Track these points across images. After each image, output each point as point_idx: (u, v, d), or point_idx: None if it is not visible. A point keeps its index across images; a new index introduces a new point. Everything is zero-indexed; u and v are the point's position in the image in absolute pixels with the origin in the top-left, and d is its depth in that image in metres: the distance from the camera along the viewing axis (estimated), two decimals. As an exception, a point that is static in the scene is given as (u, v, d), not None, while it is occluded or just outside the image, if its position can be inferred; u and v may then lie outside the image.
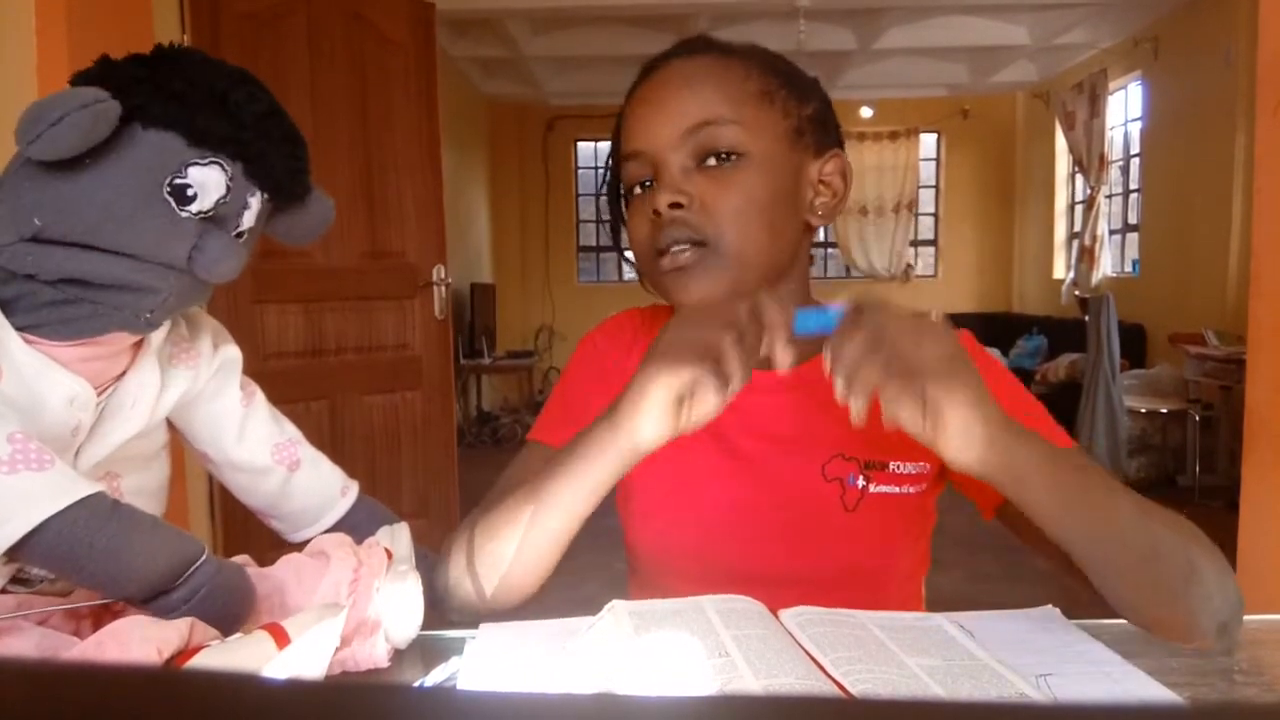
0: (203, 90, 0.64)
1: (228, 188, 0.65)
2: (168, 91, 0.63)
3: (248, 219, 0.69)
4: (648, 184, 0.77)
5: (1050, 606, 0.71)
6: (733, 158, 0.73)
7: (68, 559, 0.59)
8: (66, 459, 0.68)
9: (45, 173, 0.61)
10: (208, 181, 0.64)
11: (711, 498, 0.79)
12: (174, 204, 0.63)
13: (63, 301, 0.64)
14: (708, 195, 0.73)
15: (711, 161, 0.74)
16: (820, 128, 0.78)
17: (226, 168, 0.65)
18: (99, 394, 0.69)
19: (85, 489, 0.59)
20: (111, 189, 0.61)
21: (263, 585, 0.68)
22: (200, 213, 0.65)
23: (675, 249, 0.74)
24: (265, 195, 0.70)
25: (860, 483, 0.77)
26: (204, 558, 0.63)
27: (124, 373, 0.71)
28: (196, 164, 0.64)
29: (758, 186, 0.74)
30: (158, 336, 0.74)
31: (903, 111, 6.77)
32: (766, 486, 0.78)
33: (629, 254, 0.81)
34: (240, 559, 0.75)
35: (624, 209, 0.82)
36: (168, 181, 0.63)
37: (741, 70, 0.75)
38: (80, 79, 0.63)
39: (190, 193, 0.64)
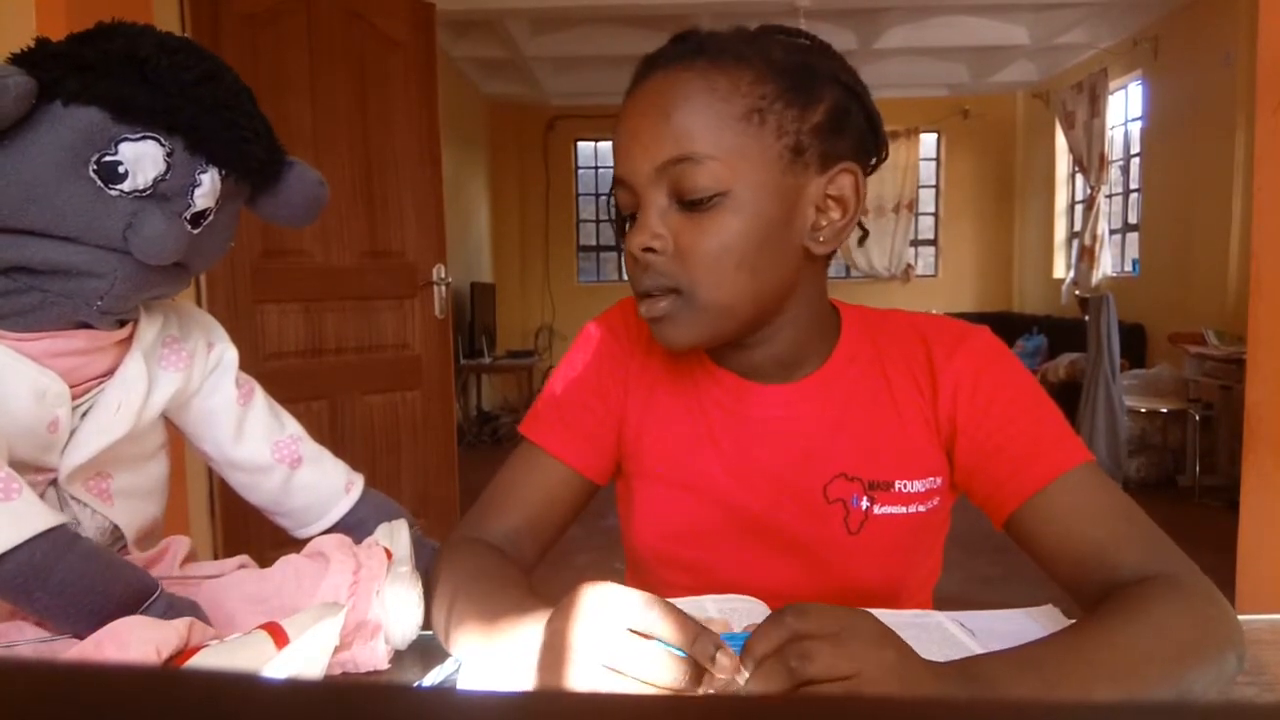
0: (119, 61, 0.61)
1: (167, 163, 0.63)
2: (82, 63, 0.60)
3: (201, 197, 0.66)
4: (633, 214, 0.71)
5: (1051, 606, 0.71)
6: (712, 197, 0.66)
7: (23, 590, 0.58)
8: (50, 458, 0.67)
9: None
10: (142, 157, 0.61)
11: (712, 515, 0.77)
12: (100, 182, 0.61)
13: (13, 291, 0.63)
14: (683, 239, 0.67)
15: (687, 200, 0.66)
16: (831, 136, 0.69)
17: (163, 142, 0.62)
18: (81, 394, 0.68)
19: (48, 521, 0.59)
20: (31, 169, 0.59)
21: (262, 587, 0.68)
22: (136, 191, 0.62)
23: (651, 296, 0.69)
24: (222, 171, 0.67)
25: (864, 504, 0.74)
26: (157, 594, 0.63)
27: (110, 373, 0.70)
28: (128, 139, 0.61)
29: (739, 227, 0.66)
30: (147, 336, 0.73)
31: (903, 111, 6.77)
32: (768, 507, 0.76)
33: None
34: (240, 559, 0.75)
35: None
36: (94, 159, 0.60)
37: (727, 86, 0.66)
38: (14, 59, 0.61)
39: (121, 169, 0.61)
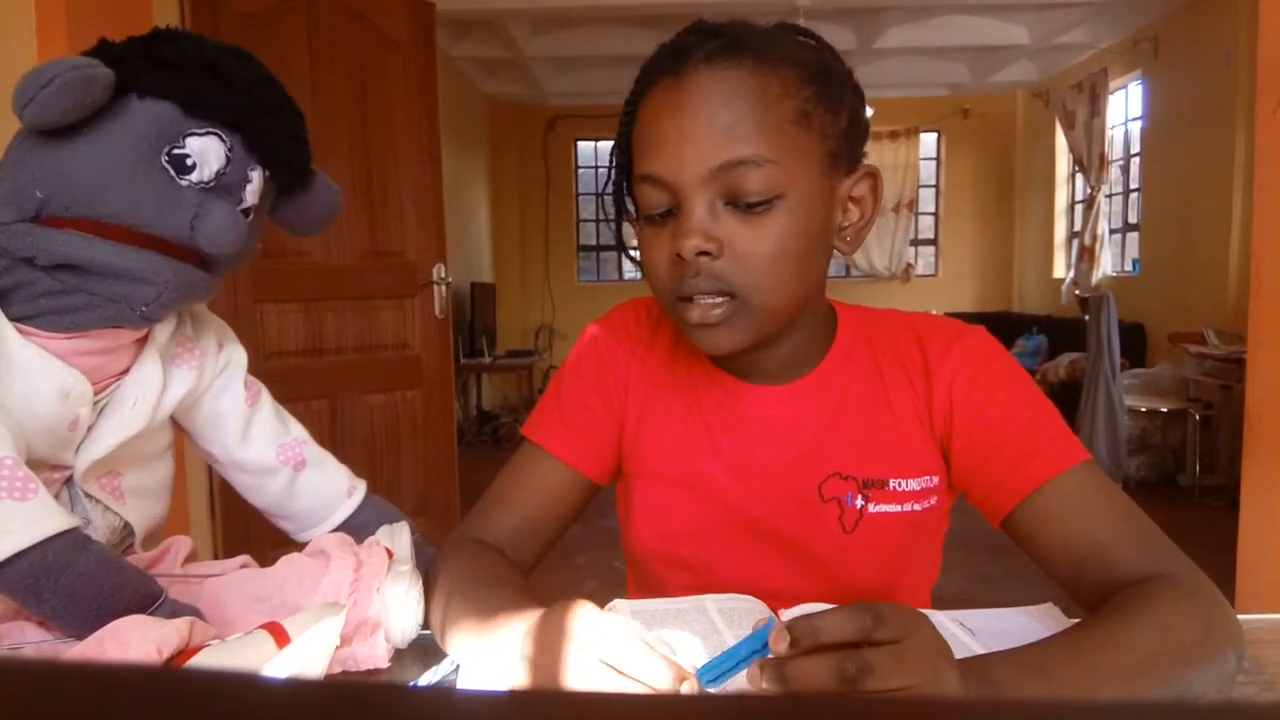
0: (195, 60, 0.65)
1: (227, 158, 0.66)
2: (160, 61, 0.64)
3: (250, 194, 0.69)
4: (666, 212, 0.68)
5: (1050, 604, 0.71)
6: (770, 201, 0.65)
7: (33, 591, 0.59)
8: (67, 456, 0.68)
9: (45, 145, 0.62)
10: (207, 151, 0.65)
11: (710, 514, 0.77)
12: (173, 173, 0.64)
13: (59, 291, 0.64)
14: (740, 242, 0.65)
15: (743, 203, 0.65)
16: (852, 140, 0.69)
17: (225, 138, 0.66)
18: (99, 391, 0.69)
19: (61, 523, 0.60)
20: (110, 156, 0.62)
21: (263, 585, 0.68)
22: (201, 183, 0.65)
23: (704, 300, 0.67)
24: (267, 172, 0.70)
25: (859, 503, 0.74)
26: (161, 600, 0.64)
27: (125, 371, 0.71)
28: (194, 134, 0.64)
29: (793, 230, 0.66)
30: (161, 335, 0.73)
31: (903, 111, 6.77)
32: (763, 506, 0.76)
33: (634, 253, 0.73)
34: (241, 559, 0.75)
35: (629, 209, 0.75)
36: (166, 151, 0.63)
37: (779, 88, 0.65)
38: (82, 56, 0.64)
39: (189, 162, 0.64)
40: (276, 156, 0.70)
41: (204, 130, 0.64)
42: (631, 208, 0.73)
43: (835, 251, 0.74)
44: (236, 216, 0.66)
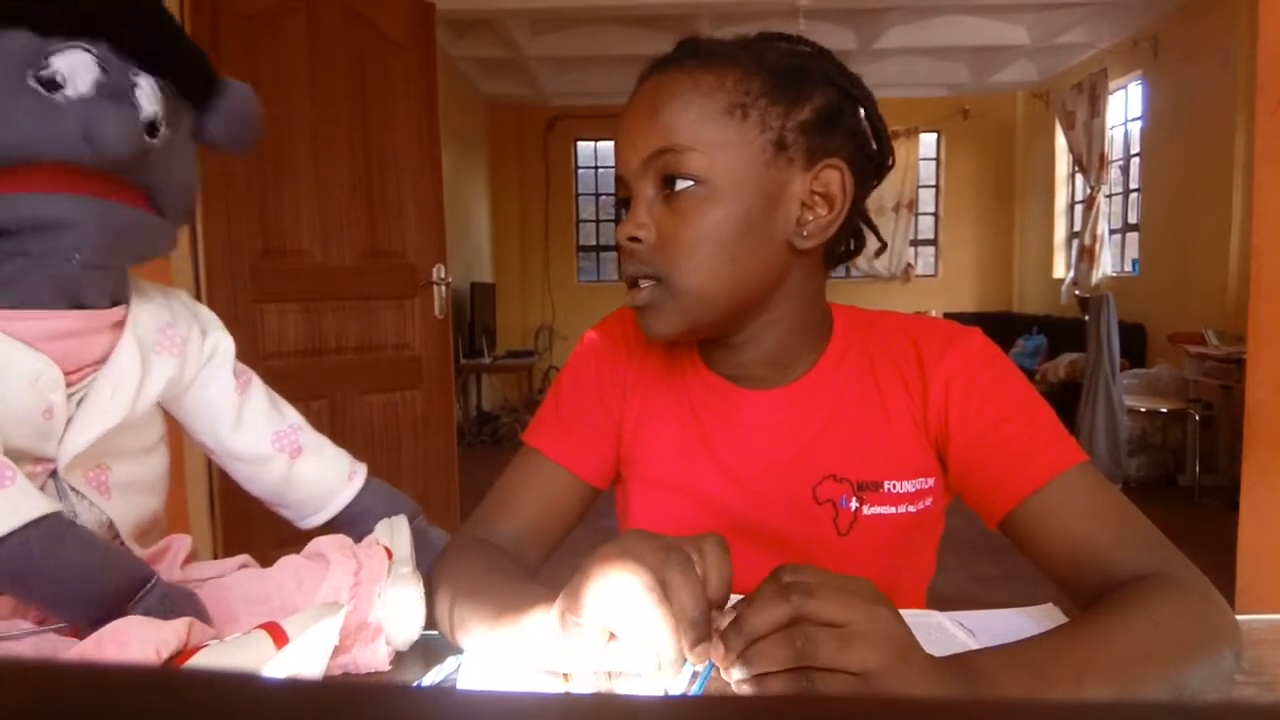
0: None
1: (101, 68, 0.64)
2: None
3: (145, 100, 0.67)
4: (626, 204, 0.74)
5: (1050, 605, 0.71)
6: (692, 186, 0.69)
7: (17, 577, 0.58)
8: (48, 448, 0.67)
9: None
10: (76, 65, 0.63)
11: (704, 518, 0.77)
12: (45, 93, 0.62)
13: None
14: (664, 228, 0.70)
15: (671, 190, 0.69)
16: (817, 133, 0.70)
17: (91, 49, 0.64)
18: (76, 381, 0.68)
19: (41, 507, 0.59)
20: None
21: (263, 587, 0.68)
22: (80, 96, 0.63)
23: (637, 284, 0.72)
24: (156, 79, 0.68)
25: (853, 505, 0.74)
26: (153, 583, 0.63)
27: (103, 360, 0.70)
28: (56, 52, 0.63)
29: (717, 216, 0.68)
30: (139, 322, 0.72)
31: (903, 111, 6.77)
32: (758, 509, 0.76)
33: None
34: (241, 559, 0.75)
35: None
36: (31, 76, 0.62)
37: (712, 83, 0.69)
38: None
39: (59, 79, 0.63)
40: (156, 57, 0.68)
41: (65, 46, 0.63)
42: None
43: (839, 253, 0.74)
44: (129, 117, 0.64)
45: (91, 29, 0.64)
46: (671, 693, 0.48)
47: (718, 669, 0.48)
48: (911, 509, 0.74)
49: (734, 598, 0.71)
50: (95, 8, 0.65)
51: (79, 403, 0.69)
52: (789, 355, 0.77)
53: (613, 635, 0.51)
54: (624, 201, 0.74)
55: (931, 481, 0.75)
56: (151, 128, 0.67)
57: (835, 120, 0.71)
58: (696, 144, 0.68)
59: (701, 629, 0.47)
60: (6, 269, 0.64)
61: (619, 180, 0.74)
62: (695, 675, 0.49)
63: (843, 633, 0.45)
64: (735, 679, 0.47)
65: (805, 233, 0.71)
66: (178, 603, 0.63)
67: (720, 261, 0.69)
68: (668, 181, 0.69)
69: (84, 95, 0.63)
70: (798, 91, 0.70)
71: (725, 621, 0.48)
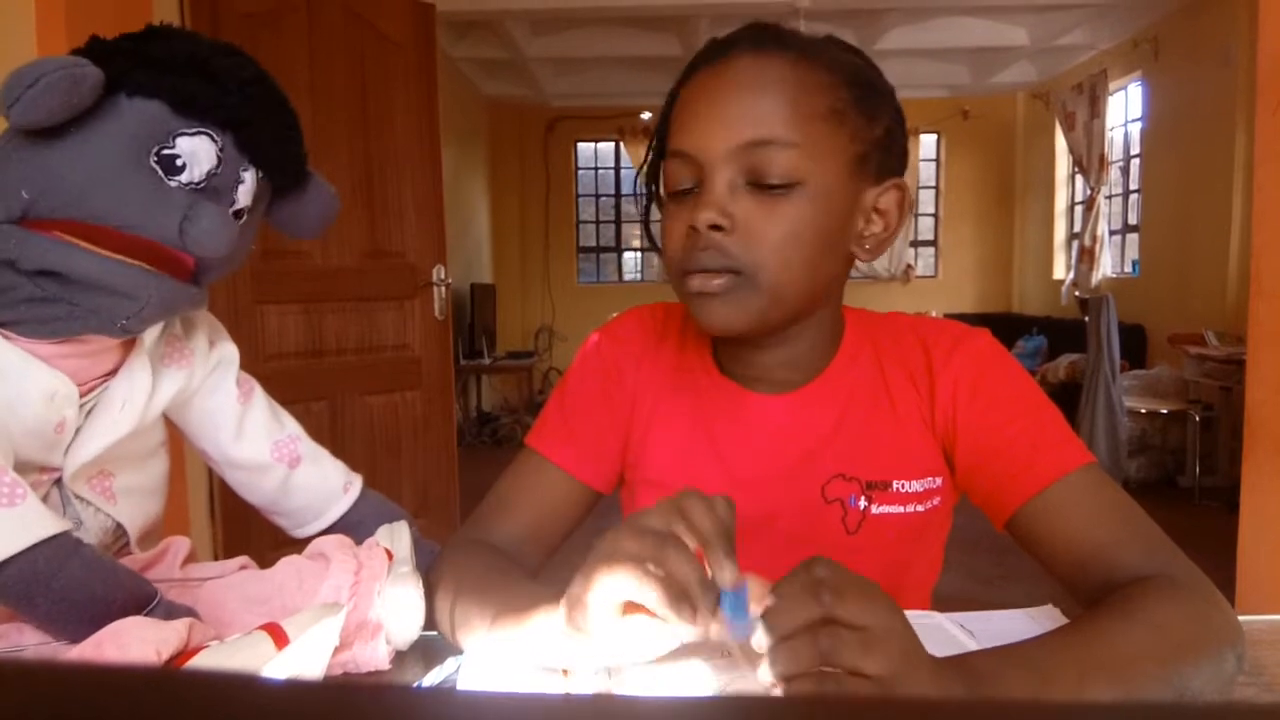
0: (185, 58, 0.63)
1: (219, 159, 0.64)
2: (150, 59, 0.62)
3: (243, 195, 0.67)
4: (689, 189, 0.70)
5: (1050, 606, 0.71)
6: (789, 185, 0.66)
7: (25, 596, 0.58)
8: (55, 458, 0.68)
9: (32, 144, 0.61)
10: (197, 151, 0.63)
11: None
12: (161, 173, 0.62)
13: (40, 299, 0.63)
14: (753, 221, 0.66)
15: (763, 183, 0.66)
16: (885, 152, 0.71)
17: (216, 138, 0.64)
18: (86, 392, 0.68)
19: (51, 528, 0.59)
20: (97, 156, 0.61)
21: (263, 588, 0.68)
22: (191, 184, 0.63)
23: (707, 273, 0.68)
24: (260, 173, 0.68)
25: (861, 504, 0.74)
26: (156, 601, 0.63)
27: (113, 372, 0.70)
28: (184, 134, 0.63)
29: (809, 218, 0.67)
30: (150, 335, 0.73)
31: (903, 112, 6.77)
32: (767, 510, 0.76)
33: (654, 228, 0.75)
34: (241, 560, 0.75)
35: (658, 201, 0.76)
36: (155, 151, 0.62)
37: (816, 82, 0.67)
38: (76, 55, 0.62)
39: (179, 163, 0.63)
40: (270, 157, 0.68)
41: (194, 130, 0.63)
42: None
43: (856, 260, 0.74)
44: (227, 219, 0.64)
45: (224, 118, 0.64)
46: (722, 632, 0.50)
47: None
48: (919, 508, 0.75)
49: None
50: (237, 103, 0.65)
51: (88, 413, 0.69)
52: (803, 359, 0.77)
53: (626, 609, 0.51)
54: (682, 183, 0.70)
55: (939, 481, 0.75)
56: (237, 215, 0.68)
57: (895, 139, 0.72)
58: (802, 141, 0.66)
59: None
60: (50, 310, 0.63)
61: (682, 156, 0.69)
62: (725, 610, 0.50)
63: (865, 637, 0.46)
64: (762, 679, 0.47)
65: (866, 245, 0.72)
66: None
67: (805, 262, 0.68)
68: (761, 172, 0.66)
69: (195, 183, 0.64)
70: (876, 107, 0.70)
71: (760, 610, 0.48)
